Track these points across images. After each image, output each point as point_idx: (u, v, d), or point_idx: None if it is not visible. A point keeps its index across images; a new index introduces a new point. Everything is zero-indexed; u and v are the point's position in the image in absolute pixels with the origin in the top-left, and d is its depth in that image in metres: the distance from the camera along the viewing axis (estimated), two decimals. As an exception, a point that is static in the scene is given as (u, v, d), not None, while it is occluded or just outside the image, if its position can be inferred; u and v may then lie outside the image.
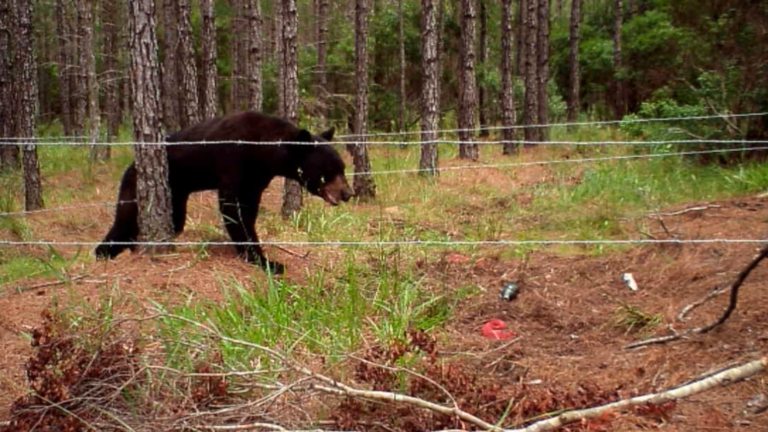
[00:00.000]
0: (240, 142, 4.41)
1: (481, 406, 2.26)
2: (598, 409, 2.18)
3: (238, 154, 4.45)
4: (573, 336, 3.47)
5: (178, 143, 4.62)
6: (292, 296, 3.75)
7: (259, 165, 4.56)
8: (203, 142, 4.53)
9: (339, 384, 2.21)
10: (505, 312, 3.84)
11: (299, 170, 4.38)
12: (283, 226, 5.54)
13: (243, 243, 4.48)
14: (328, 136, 4.76)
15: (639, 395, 2.30)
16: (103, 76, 16.41)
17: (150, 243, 4.34)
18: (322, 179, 4.38)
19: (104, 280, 3.73)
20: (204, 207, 7.36)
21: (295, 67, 7.72)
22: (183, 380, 2.37)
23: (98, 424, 2.24)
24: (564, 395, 2.31)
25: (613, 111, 21.46)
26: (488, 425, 2.13)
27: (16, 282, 3.94)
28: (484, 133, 19.43)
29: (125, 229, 4.66)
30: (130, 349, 2.49)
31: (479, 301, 4.05)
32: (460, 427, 2.11)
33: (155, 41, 4.39)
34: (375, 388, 2.30)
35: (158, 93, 4.41)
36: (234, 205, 4.45)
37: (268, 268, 3.89)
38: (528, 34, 17.38)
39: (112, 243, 4.74)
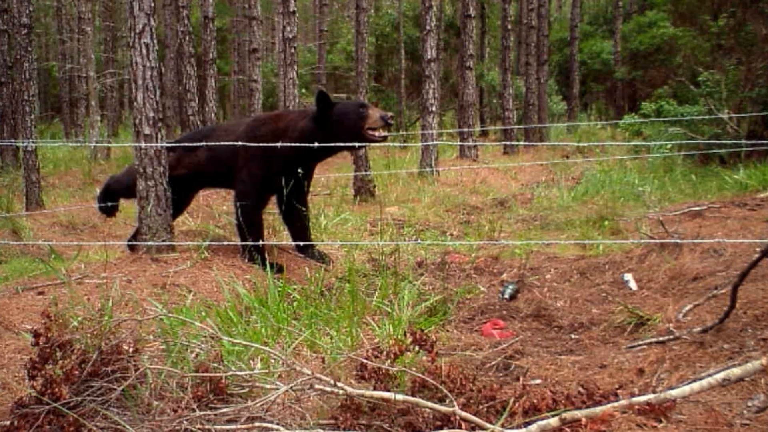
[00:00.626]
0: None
1: (481, 406, 2.26)
2: (598, 409, 2.18)
3: (259, 149, 4.47)
4: (573, 336, 3.47)
5: (201, 144, 4.69)
6: (292, 296, 3.75)
7: (286, 157, 4.51)
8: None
9: (339, 384, 2.21)
10: (505, 312, 3.84)
11: (332, 138, 4.34)
12: (283, 226, 5.53)
13: (245, 243, 4.50)
14: (324, 97, 4.76)
15: (639, 395, 2.30)
16: (103, 76, 16.41)
17: (150, 243, 4.34)
18: (358, 123, 4.36)
19: (104, 280, 3.74)
20: (204, 207, 7.36)
21: (295, 67, 7.72)
22: (183, 380, 2.37)
23: (98, 424, 2.24)
24: (564, 395, 2.31)
25: (613, 111, 21.47)
26: (488, 425, 2.13)
27: (16, 282, 3.94)
28: (484, 133, 19.44)
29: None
30: (130, 349, 2.49)
31: (479, 301, 4.05)
32: (460, 427, 2.11)
33: (155, 41, 4.39)
34: (375, 388, 2.30)
35: (158, 93, 4.41)
36: (247, 203, 4.49)
37: (268, 268, 3.90)
38: (528, 34, 17.38)
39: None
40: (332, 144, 4.36)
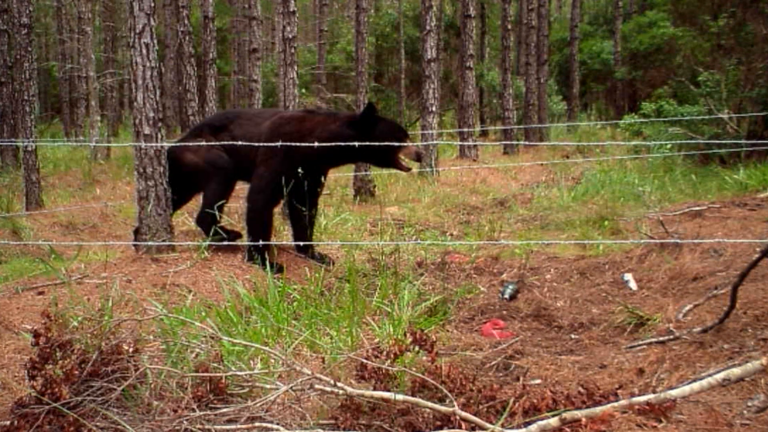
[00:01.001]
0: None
1: (481, 406, 2.26)
2: (598, 409, 2.18)
3: (282, 147, 4.44)
4: (573, 336, 3.48)
5: (234, 143, 4.66)
6: (292, 296, 3.75)
7: (308, 157, 4.48)
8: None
9: (339, 384, 2.21)
10: (505, 312, 3.84)
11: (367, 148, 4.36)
12: (284, 226, 5.53)
13: (246, 243, 4.50)
14: (372, 109, 4.64)
15: (639, 395, 2.30)
16: (103, 76, 16.41)
17: (150, 243, 4.34)
18: (396, 148, 4.42)
19: (104, 280, 3.74)
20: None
21: (295, 67, 7.71)
22: (183, 380, 2.37)
23: (98, 424, 2.24)
24: (564, 395, 2.31)
25: (613, 111, 21.48)
26: (488, 425, 2.13)
27: (16, 282, 3.94)
28: (484, 133, 19.43)
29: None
30: (130, 349, 2.49)
31: (479, 301, 4.05)
32: (460, 427, 2.11)
33: (155, 41, 4.39)
34: (375, 388, 2.30)
35: (158, 93, 4.41)
36: (260, 199, 4.49)
37: (267, 268, 3.90)
38: (528, 34, 17.38)
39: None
40: (362, 148, 4.37)
